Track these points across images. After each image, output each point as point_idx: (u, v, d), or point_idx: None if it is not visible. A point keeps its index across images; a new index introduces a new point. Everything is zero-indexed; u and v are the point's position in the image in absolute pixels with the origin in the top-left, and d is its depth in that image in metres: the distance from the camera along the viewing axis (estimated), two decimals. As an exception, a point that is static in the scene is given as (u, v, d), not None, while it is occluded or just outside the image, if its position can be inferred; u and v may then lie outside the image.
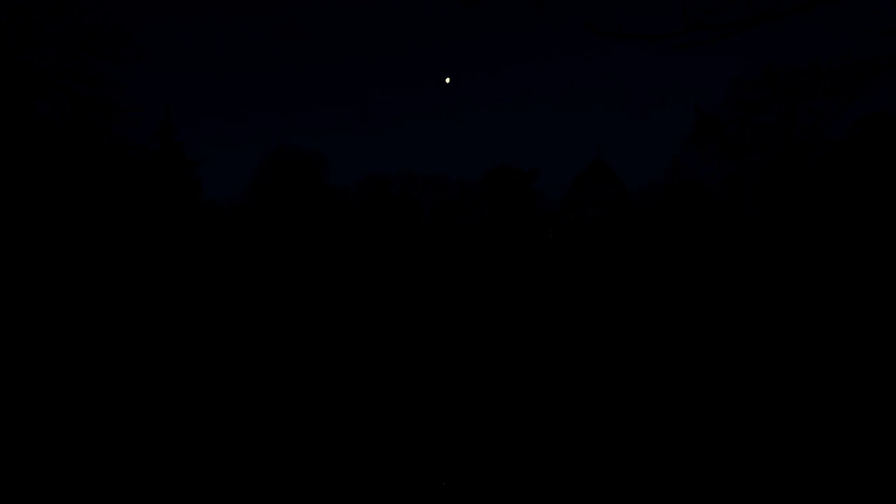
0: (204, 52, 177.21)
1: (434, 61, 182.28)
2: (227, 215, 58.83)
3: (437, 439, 10.46)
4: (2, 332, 21.71)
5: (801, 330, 30.07)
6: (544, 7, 3.71)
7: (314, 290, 46.68)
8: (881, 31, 4.80)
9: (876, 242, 40.94)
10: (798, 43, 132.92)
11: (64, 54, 20.92)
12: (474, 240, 68.28)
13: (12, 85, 21.97)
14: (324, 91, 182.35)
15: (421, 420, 12.37)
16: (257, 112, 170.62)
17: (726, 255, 49.46)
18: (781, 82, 37.31)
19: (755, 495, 7.17)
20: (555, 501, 7.34)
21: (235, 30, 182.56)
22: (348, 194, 73.33)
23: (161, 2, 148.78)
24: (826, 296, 40.24)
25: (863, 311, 35.80)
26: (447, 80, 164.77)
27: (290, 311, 41.09)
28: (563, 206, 68.36)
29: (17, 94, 22.51)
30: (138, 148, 30.40)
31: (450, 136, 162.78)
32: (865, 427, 11.40)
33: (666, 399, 15.04)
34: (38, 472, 8.48)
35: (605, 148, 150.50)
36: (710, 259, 50.02)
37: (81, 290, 30.48)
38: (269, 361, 21.27)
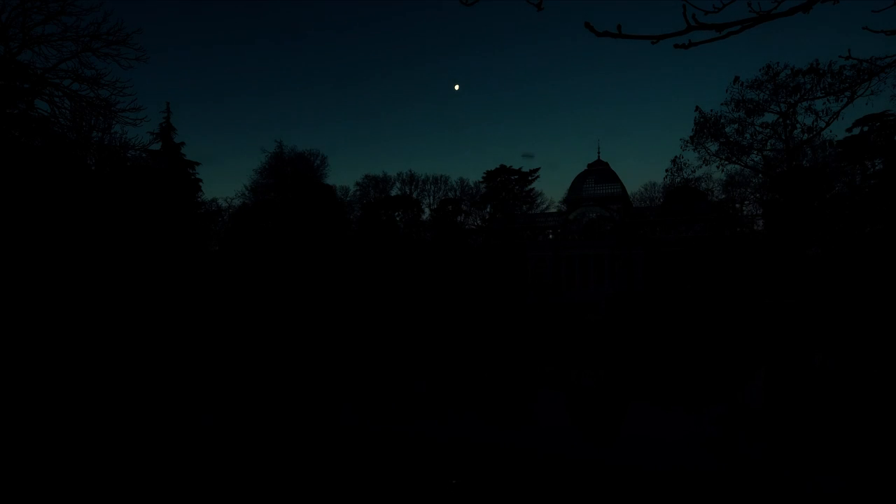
0: (204, 53, 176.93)
1: (434, 60, 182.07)
2: (227, 215, 58.79)
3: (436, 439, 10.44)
4: (2, 330, 21.68)
5: (800, 328, 30.02)
6: (543, 7, 3.69)
7: (313, 289, 46.65)
8: (881, 31, 4.79)
9: (876, 242, 40.87)
10: (798, 43, 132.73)
11: (64, 54, 20.81)
12: (474, 239, 68.22)
13: (12, 85, 21.93)
14: (324, 90, 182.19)
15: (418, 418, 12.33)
16: (257, 112, 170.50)
17: (727, 254, 49.37)
18: (781, 82, 37.23)
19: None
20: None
21: (236, 29, 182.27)
22: (348, 194, 73.37)
23: (161, 2, 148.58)
24: (826, 293, 40.20)
25: (864, 309, 35.76)
26: (456, 87, 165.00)
27: (288, 308, 41.00)
28: (563, 206, 68.32)
29: (17, 94, 22.46)
30: (138, 148, 30.32)
31: (450, 136, 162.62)
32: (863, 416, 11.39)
33: (660, 393, 15.02)
34: (38, 471, 8.47)
35: (605, 147, 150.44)
36: (711, 258, 49.91)
37: (81, 289, 30.45)
38: (268, 356, 21.22)
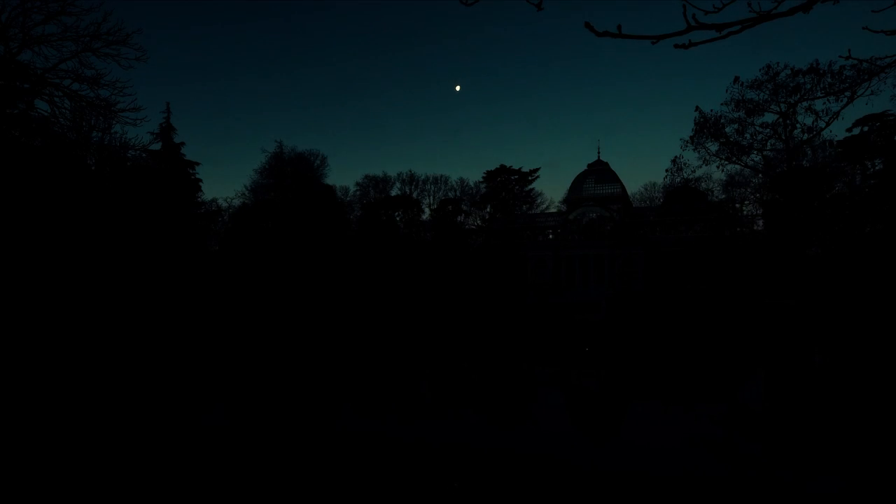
0: (204, 52, 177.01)
1: (434, 60, 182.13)
2: (227, 215, 58.80)
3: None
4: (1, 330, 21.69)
5: (800, 328, 30.02)
6: (543, 7, 3.69)
7: (313, 289, 46.63)
8: (881, 31, 4.79)
9: (876, 242, 40.87)
10: (798, 43, 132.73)
11: (64, 54, 20.82)
12: (474, 239, 68.20)
13: (12, 85, 21.93)
14: (324, 90, 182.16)
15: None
16: (257, 112, 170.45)
17: (727, 254, 49.37)
18: (781, 82, 37.26)
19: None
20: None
21: (235, 29, 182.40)
22: (348, 194, 73.39)
23: (161, 2, 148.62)
24: (826, 293, 40.18)
25: (864, 309, 35.72)
26: (457, 88, 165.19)
27: (289, 308, 40.98)
28: (563, 206, 68.30)
29: (17, 94, 22.46)
30: (138, 148, 30.35)
31: (450, 136, 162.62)
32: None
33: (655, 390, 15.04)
34: (38, 471, 8.47)
35: (605, 147, 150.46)
36: (710, 258, 49.92)
37: (81, 288, 30.45)
38: (268, 356, 21.24)
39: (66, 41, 20.67)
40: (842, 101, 8.21)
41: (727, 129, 39.31)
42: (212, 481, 8.08)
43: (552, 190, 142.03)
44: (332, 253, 51.19)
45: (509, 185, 73.71)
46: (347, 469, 8.57)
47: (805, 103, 26.91)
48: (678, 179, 43.57)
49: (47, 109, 21.20)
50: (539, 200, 76.34)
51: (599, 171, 62.32)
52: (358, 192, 73.80)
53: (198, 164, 50.97)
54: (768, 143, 42.82)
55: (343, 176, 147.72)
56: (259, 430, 11.20)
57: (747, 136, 38.76)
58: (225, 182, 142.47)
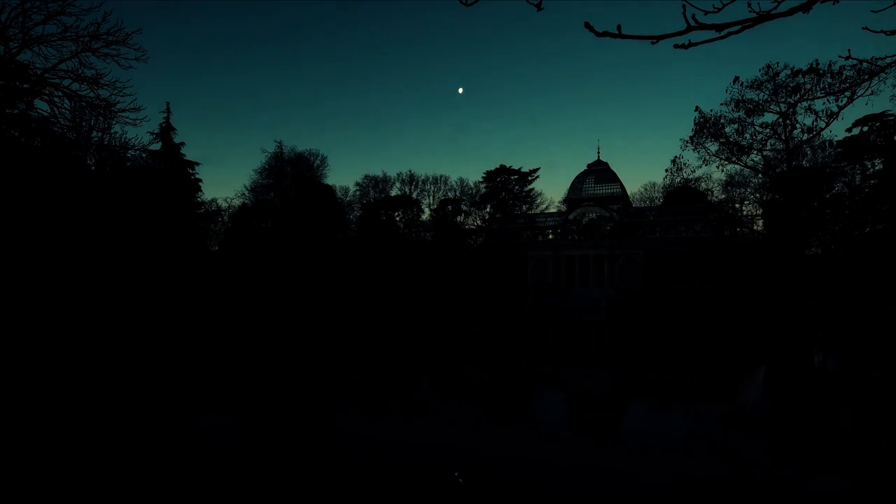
0: (204, 52, 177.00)
1: (433, 60, 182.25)
2: (227, 215, 58.84)
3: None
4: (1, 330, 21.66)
5: (800, 328, 29.97)
6: (543, 7, 3.69)
7: (312, 289, 46.64)
8: (881, 31, 4.79)
9: (876, 242, 40.88)
10: (798, 43, 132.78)
11: (64, 54, 20.87)
12: (473, 239, 68.22)
13: (12, 85, 21.95)
14: (324, 90, 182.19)
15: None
16: (257, 112, 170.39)
17: (727, 254, 49.38)
18: (781, 82, 37.29)
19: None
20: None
21: (236, 29, 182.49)
22: (348, 194, 73.43)
23: (161, 2, 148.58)
24: (826, 293, 40.17)
25: (864, 309, 35.68)
26: (460, 90, 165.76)
27: (288, 309, 40.90)
28: (563, 206, 68.30)
29: (17, 94, 22.49)
30: (138, 148, 30.38)
31: (450, 136, 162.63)
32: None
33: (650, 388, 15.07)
34: (38, 470, 8.49)
35: (605, 147, 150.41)
36: (710, 258, 49.93)
37: (80, 288, 30.44)
38: (266, 357, 21.24)
39: (66, 41, 20.72)
40: (842, 101, 8.23)
41: (727, 129, 39.27)
42: (202, 486, 8.09)
43: (552, 190, 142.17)
44: (331, 253, 51.20)
45: (509, 185, 73.79)
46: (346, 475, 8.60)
47: (805, 103, 26.84)
48: (678, 179, 43.55)
49: (47, 109, 21.25)
50: (539, 200, 76.51)
51: (599, 171, 62.35)
52: (358, 193, 73.88)
53: (198, 164, 50.98)
54: (768, 143, 42.81)
55: (343, 176, 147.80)
56: (256, 431, 11.26)
57: (747, 136, 38.72)
58: (225, 182, 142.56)
